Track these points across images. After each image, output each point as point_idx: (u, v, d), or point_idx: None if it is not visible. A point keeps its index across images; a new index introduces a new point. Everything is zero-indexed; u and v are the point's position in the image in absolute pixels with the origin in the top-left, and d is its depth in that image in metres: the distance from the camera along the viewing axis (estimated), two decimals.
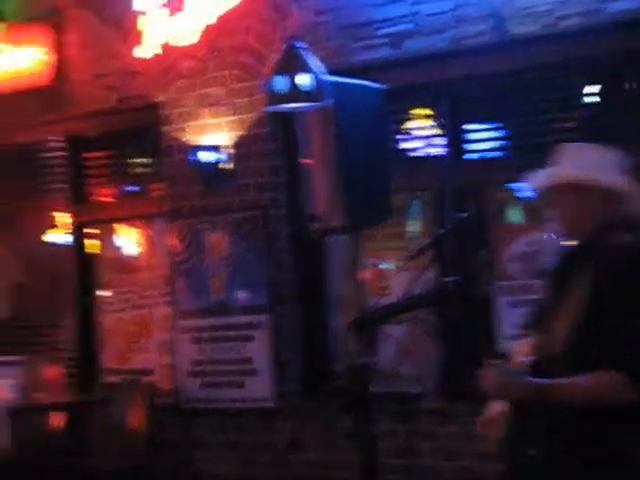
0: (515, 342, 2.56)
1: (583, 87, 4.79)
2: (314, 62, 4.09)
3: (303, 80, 4.06)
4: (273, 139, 5.14)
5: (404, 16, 4.78)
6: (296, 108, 4.39)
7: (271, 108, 4.27)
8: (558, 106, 4.86)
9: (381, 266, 5.11)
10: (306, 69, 4.07)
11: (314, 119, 4.13)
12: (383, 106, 4.13)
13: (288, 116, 4.37)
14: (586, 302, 2.17)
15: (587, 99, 4.87)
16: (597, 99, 4.82)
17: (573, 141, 2.69)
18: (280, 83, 4.06)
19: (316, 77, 4.08)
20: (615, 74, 4.64)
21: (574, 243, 2.42)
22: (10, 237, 6.33)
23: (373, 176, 4.01)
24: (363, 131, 4.11)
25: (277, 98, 4.10)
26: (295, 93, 4.08)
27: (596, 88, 4.75)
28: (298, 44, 4.02)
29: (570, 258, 2.44)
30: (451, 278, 2.44)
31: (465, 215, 3.01)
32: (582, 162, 2.44)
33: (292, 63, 4.03)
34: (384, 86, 3.99)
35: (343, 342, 4.75)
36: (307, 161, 4.40)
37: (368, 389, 2.67)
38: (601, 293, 2.15)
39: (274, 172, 5.16)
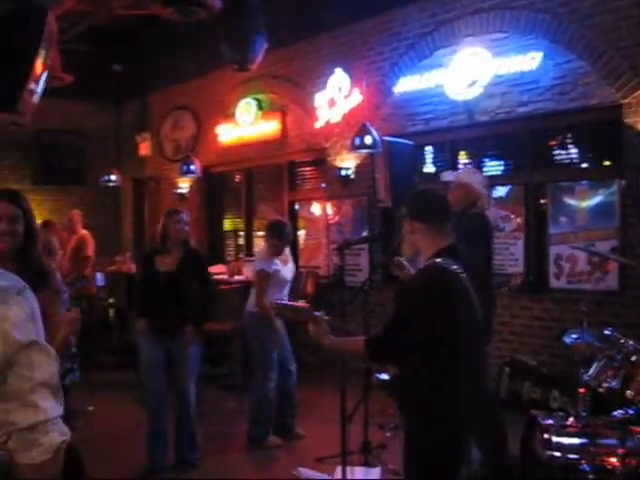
0: None
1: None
2: (374, 131, 9.72)
3: (368, 139, 9.73)
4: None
5: (429, 111, 10.20)
6: (368, 152, 10.14)
7: (353, 152, 10.05)
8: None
9: None
10: (368, 133, 9.75)
11: (380, 158, 9.59)
12: (414, 153, 9.45)
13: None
14: None
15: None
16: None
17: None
18: (358, 140, 9.76)
19: (373, 137, 9.74)
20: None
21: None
22: None
23: (406, 185, 9.31)
24: (403, 165, 9.39)
25: (357, 147, 9.81)
26: (365, 145, 9.76)
27: None
28: (367, 123, 9.67)
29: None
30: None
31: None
32: (467, 176, 6.90)
33: (364, 131, 9.68)
34: (414, 144, 9.31)
35: None
36: (377, 176, 9.89)
37: None
38: None
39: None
